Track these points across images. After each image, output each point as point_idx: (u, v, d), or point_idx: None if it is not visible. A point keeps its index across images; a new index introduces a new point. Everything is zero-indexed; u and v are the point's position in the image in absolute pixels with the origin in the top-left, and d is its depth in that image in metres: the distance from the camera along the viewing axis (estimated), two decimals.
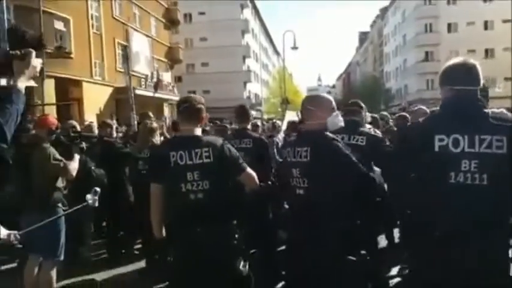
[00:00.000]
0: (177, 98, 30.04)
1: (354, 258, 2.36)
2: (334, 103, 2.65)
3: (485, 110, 2.09)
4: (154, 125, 4.81)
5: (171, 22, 32.43)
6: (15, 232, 2.71)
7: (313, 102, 2.62)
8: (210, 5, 40.73)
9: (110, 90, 22.03)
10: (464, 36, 39.86)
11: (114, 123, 6.08)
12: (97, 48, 21.28)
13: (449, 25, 41.84)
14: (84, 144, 3.75)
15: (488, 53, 40.29)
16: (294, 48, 30.81)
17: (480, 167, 1.97)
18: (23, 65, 1.72)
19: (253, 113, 38.10)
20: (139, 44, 26.08)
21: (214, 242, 2.43)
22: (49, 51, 17.73)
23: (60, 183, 3.53)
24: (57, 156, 3.41)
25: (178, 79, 39.74)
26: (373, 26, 64.24)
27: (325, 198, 2.35)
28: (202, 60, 42.29)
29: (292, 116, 11.94)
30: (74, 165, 3.53)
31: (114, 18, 23.43)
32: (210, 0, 40.15)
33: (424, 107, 5.62)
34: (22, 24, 16.56)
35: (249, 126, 4.61)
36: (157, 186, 2.59)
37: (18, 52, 1.71)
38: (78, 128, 5.04)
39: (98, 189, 4.17)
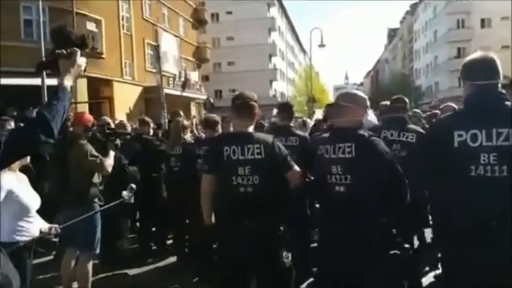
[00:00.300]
0: (204, 97, 30.41)
1: (398, 252, 2.41)
2: (368, 101, 2.66)
3: (507, 103, 2.11)
4: (186, 122, 4.88)
5: (198, 22, 32.79)
6: (56, 226, 2.83)
7: (348, 99, 2.61)
8: (237, 4, 40.86)
9: (139, 89, 22.49)
10: (498, 32, 38.39)
11: (151, 122, 6.20)
12: (127, 48, 21.76)
13: (482, 20, 40.47)
14: (118, 141, 3.83)
15: None
16: (321, 45, 30.59)
17: (499, 159, 2.00)
18: (69, 64, 1.77)
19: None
20: (168, 44, 26.46)
21: (260, 234, 2.53)
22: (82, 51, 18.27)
23: (97, 179, 3.63)
24: (94, 152, 3.50)
25: (205, 78, 40.12)
26: (403, 22, 62.84)
27: (368, 195, 2.37)
28: (229, 59, 42.53)
29: (320, 114, 11.86)
30: (109, 162, 3.61)
31: (144, 19, 23.89)
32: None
33: (452, 104, 5.45)
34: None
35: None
36: (210, 177, 2.72)
37: (64, 51, 1.76)
38: (112, 125, 5.18)
39: (133, 186, 4.29)
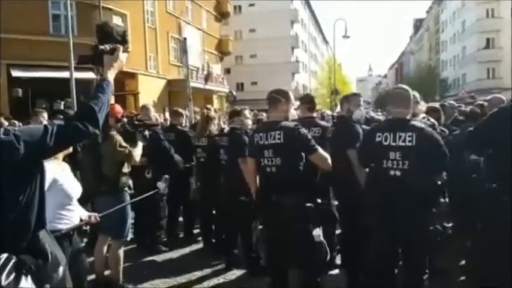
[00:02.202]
0: (226, 90, 30.57)
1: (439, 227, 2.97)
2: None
3: None
4: (212, 114, 4.97)
5: (221, 14, 32.88)
6: (96, 214, 3.02)
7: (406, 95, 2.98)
8: None
9: (163, 82, 22.81)
10: None
11: (185, 113, 6.33)
12: (151, 42, 22.06)
13: None
14: (147, 132, 3.95)
15: None
16: (346, 37, 30.22)
17: None
18: (112, 59, 1.93)
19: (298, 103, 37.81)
20: (191, 37, 26.59)
21: (288, 209, 2.90)
22: (108, 45, 18.64)
23: (126, 168, 3.77)
24: (123, 143, 3.63)
25: (227, 71, 40.24)
26: (429, 13, 61.15)
27: (423, 179, 2.74)
28: (251, 52, 42.43)
29: None
30: (137, 152, 3.74)
31: (168, 12, 24.14)
32: None
33: (502, 96, 5.27)
34: (82, 19, 17.61)
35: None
36: (251, 160, 3.25)
37: (108, 47, 1.87)
38: (153, 113, 5.35)
39: (167, 176, 4.48)
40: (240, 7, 42.56)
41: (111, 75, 1.91)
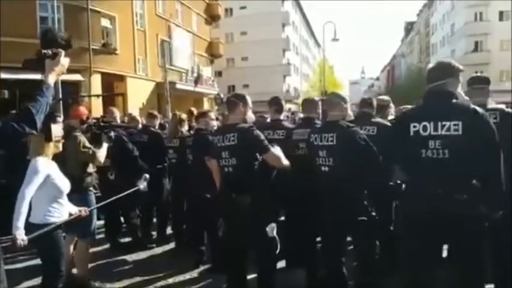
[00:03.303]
0: (216, 92, 30.69)
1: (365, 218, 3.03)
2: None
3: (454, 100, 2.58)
4: (183, 116, 5.06)
5: (212, 17, 32.95)
6: (85, 208, 3.37)
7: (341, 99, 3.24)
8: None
9: (152, 85, 22.85)
10: None
11: (159, 115, 6.44)
12: (141, 44, 22.10)
13: (500, 13, 39.45)
14: (112, 134, 4.03)
15: None
16: (335, 39, 30.37)
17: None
18: (53, 63, 2.02)
19: (290, 106, 38.03)
20: (181, 40, 26.76)
21: (243, 206, 3.01)
22: (96, 48, 18.70)
23: (91, 168, 3.85)
24: (87, 144, 3.71)
25: (218, 73, 40.34)
26: (420, 15, 61.77)
27: (346, 174, 2.99)
28: (242, 55, 42.65)
29: None
30: (102, 153, 3.82)
31: (157, 15, 24.18)
32: None
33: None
34: (70, 22, 17.62)
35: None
36: (214, 160, 3.34)
37: (49, 51, 1.97)
38: (118, 116, 5.43)
39: (147, 175, 4.63)
40: (231, 10, 42.75)
41: (51, 79, 2.00)
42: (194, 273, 4.37)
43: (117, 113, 5.33)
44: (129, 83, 20.71)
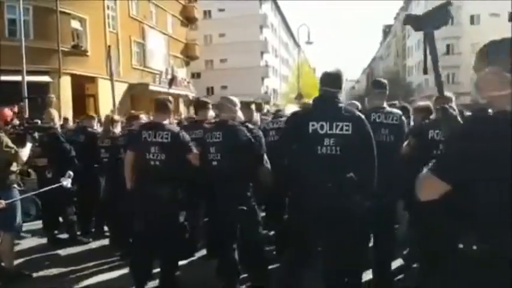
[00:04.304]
0: (193, 94, 30.83)
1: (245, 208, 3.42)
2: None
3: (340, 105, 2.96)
4: (116, 117, 5.36)
5: (188, 19, 33.12)
6: (2, 201, 3.65)
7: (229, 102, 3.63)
8: (229, 2, 41.23)
9: (125, 86, 22.90)
10: (487, 29, 38.62)
11: (96, 116, 6.69)
12: (113, 46, 22.09)
13: (471, 17, 40.74)
14: (36, 134, 4.31)
15: None
16: (309, 43, 30.92)
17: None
18: None
19: (268, 107, 38.45)
20: (155, 41, 26.90)
21: (162, 195, 3.48)
22: (65, 49, 18.76)
23: (15, 167, 4.11)
24: (10, 144, 3.97)
25: (197, 75, 40.57)
26: (397, 19, 62.98)
27: (231, 167, 3.38)
28: (221, 57, 42.95)
29: (293, 108, 12.36)
30: (25, 152, 4.09)
31: (131, 16, 24.29)
32: None
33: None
34: (39, 24, 17.66)
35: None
36: (131, 153, 3.76)
37: None
38: (57, 118, 5.69)
39: (71, 172, 4.88)
40: (209, 12, 43.05)
41: None
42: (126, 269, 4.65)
43: (56, 115, 5.58)
44: (100, 84, 20.75)
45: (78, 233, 5.64)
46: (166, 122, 3.72)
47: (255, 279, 3.67)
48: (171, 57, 29.49)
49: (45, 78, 17.59)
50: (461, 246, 1.53)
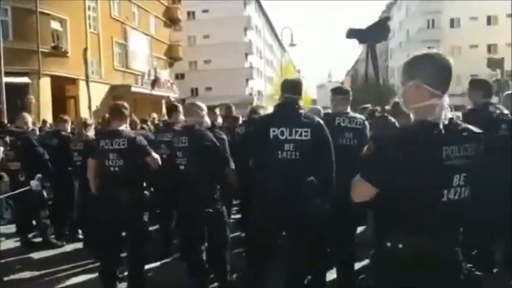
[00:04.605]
0: (176, 95, 30.74)
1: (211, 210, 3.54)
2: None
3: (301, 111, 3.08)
4: (89, 120, 5.39)
5: (171, 20, 33.05)
6: None
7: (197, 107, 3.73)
8: (213, 3, 41.21)
9: (106, 87, 22.75)
10: (466, 32, 39.64)
11: (69, 119, 6.68)
12: (94, 47, 21.98)
13: (451, 20, 41.60)
14: (8, 138, 4.34)
15: (491, 48, 40.02)
16: (292, 45, 31.22)
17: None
18: None
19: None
20: (138, 43, 26.78)
21: (122, 199, 3.57)
22: (45, 50, 18.55)
23: None
24: None
25: (181, 76, 40.44)
26: None
27: (197, 171, 3.49)
28: (205, 58, 42.86)
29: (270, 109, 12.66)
30: None
31: (112, 17, 24.14)
32: None
33: None
34: (19, 25, 17.44)
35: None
36: (92, 161, 3.84)
37: None
38: (30, 121, 5.69)
39: (40, 175, 4.92)
40: (193, 13, 42.94)
41: None
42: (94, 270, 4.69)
43: (29, 119, 5.58)
44: (81, 85, 20.55)
45: (52, 236, 5.64)
46: (123, 127, 3.80)
47: (221, 281, 3.77)
48: (154, 59, 29.39)
49: (25, 80, 17.39)
50: (388, 244, 1.65)
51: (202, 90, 42.60)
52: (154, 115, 10.29)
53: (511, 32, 30.98)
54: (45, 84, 18.45)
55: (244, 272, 3.33)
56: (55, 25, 19.44)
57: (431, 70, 1.63)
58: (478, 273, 1.78)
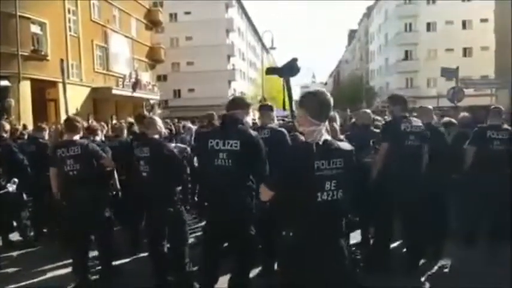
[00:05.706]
0: (157, 97, 31.03)
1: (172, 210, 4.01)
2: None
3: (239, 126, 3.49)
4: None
5: (152, 23, 33.30)
6: None
7: (155, 121, 4.27)
8: (195, 5, 41.51)
9: (87, 90, 22.96)
10: (442, 36, 40.86)
11: (47, 127, 7.07)
12: (74, 50, 22.18)
13: (428, 24, 42.79)
14: None
15: (467, 52, 41.38)
16: (272, 48, 31.90)
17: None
18: None
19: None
20: (119, 45, 27.01)
21: (85, 197, 4.17)
22: (25, 54, 18.69)
23: None
24: None
25: (163, 78, 40.68)
26: (361, 24, 65.16)
27: (158, 179, 3.96)
28: (188, 59, 43.13)
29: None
30: None
31: (93, 20, 24.33)
32: (195, 0, 40.96)
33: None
34: None
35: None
36: (53, 169, 4.41)
37: None
38: (8, 129, 6.07)
39: (16, 180, 5.33)
40: (175, 15, 43.20)
41: None
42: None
43: (8, 127, 5.95)
44: (61, 88, 20.65)
45: (31, 233, 6.05)
46: (76, 137, 4.38)
47: (180, 272, 4.24)
48: (135, 61, 29.63)
49: (4, 83, 17.52)
50: (283, 233, 2.20)
51: (185, 92, 42.94)
52: (130, 119, 10.60)
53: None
54: (25, 88, 18.60)
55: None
56: (35, 29, 19.59)
57: (314, 105, 2.17)
58: (358, 257, 2.34)
